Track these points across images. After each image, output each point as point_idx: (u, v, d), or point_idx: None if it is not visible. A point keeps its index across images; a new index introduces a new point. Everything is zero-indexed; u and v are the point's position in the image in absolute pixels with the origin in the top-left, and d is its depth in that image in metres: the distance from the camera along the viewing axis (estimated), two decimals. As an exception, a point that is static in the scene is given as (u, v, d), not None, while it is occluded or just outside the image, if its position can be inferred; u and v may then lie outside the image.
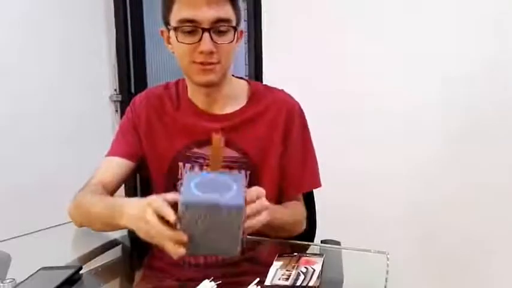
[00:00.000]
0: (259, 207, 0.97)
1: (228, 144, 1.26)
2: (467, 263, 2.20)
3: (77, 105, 2.71)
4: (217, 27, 1.11)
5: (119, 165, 1.28)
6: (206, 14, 1.09)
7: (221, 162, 1.07)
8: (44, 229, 0.89)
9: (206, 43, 1.11)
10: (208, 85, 1.23)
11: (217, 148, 1.06)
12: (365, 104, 2.37)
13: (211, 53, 1.12)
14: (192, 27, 1.11)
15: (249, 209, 0.95)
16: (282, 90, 1.36)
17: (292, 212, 1.29)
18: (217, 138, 1.06)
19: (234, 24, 1.14)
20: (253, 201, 0.97)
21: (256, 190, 1.00)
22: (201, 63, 1.14)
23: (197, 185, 0.92)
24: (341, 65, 2.41)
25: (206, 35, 1.10)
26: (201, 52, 1.12)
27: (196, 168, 1.24)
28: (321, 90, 2.41)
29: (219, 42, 1.12)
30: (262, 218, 0.97)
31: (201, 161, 1.25)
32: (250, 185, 1.26)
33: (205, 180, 0.95)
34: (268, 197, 1.22)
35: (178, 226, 0.91)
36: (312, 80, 2.43)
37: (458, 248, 2.22)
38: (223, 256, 0.93)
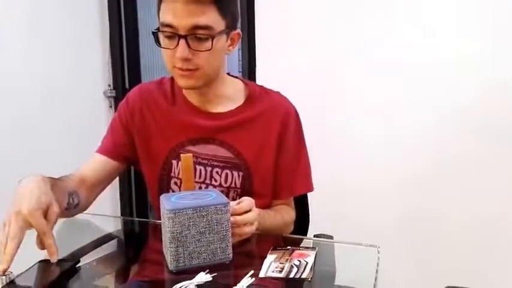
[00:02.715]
0: (248, 219, 1.04)
1: (221, 144, 1.28)
2: (457, 258, 2.24)
3: (71, 101, 2.71)
4: (194, 34, 1.11)
5: (102, 163, 1.30)
6: (183, 21, 1.09)
7: (193, 181, 1.11)
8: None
9: (181, 50, 1.11)
10: (191, 89, 1.25)
11: (188, 167, 1.10)
12: (357, 103, 2.40)
13: (187, 59, 1.12)
14: (170, 33, 1.12)
15: (240, 219, 1.03)
16: (278, 93, 1.37)
17: (282, 216, 1.32)
18: (188, 157, 1.10)
19: (216, 31, 1.13)
20: (245, 212, 1.04)
21: (248, 201, 1.07)
22: (180, 69, 1.15)
23: (177, 198, 0.97)
24: (334, 62, 2.44)
25: (182, 41, 1.10)
26: (178, 58, 1.12)
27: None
28: (316, 88, 2.43)
29: (196, 49, 1.12)
30: (253, 227, 1.06)
31: (194, 159, 1.26)
32: (242, 186, 1.28)
33: (183, 195, 1.01)
34: (260, 199, 1.24)
35: (166, 243, 0.95)
36: (306, 78, 2.45)
37: (449, 243, 2.25)
38: (217, 262, 0.95)
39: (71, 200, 1.15)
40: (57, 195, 1.03)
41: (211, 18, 1.11)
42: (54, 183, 1.06)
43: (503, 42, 2.10)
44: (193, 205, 0.93)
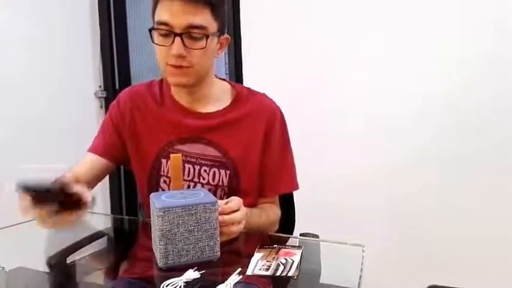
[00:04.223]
0: (236, 218, 1.06)
1: (209, 143, 1.30)
2: (443, 256, 2.25)
3: (62, 102, 2.71)
4: (189, 32, 1.14)
5: (94, 162, 1.32)
6: (179, 20, 1.13)
7: (182, 180, 1.14)
8: (31, 220, 0.92)
9: (177, 47, 1.14)
10: (181, 87, 1.27)
11: (177, 166, 1.13)
12: (343, 103, 2.42)
13: (182, 56, 1.16)
14: (166, 31, 1.15)
15: (228, 218, 1.04)
16: (264, 94, 1.39)
17: (268, 214, 1.33)
18: (177, 157, 1.13)
19: (210, 31, 1.17)
20: (233, 211, 1.06)
21: (236, 201, 1.09)
22: (173, 66, 1.18)
23: (167, 197, 0.99)
24: (320, 64, 2.45)
25: (178, 39, 1.14)
26: (173, 55, 1.15)
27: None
28: (301, 89, 2.45)
29: (190, 47, 1.16)
30: (241, 226, 1.07)
31: (183, 158, 1.27)
32: (230, 185, 1.30)
33: (173, 194, 1.03)
34: (247, 197, 1.26)
35: (155, 240, 0.97)
36: (291, 80, 2.47)
37: (437, 241, 2.27)
38: (205, 260, 0.98)
39: None
40: None
41: (205, 19, 1.15)
42: None
43: (503, 38, 2.12)
44: (183, 204, 0.95)
